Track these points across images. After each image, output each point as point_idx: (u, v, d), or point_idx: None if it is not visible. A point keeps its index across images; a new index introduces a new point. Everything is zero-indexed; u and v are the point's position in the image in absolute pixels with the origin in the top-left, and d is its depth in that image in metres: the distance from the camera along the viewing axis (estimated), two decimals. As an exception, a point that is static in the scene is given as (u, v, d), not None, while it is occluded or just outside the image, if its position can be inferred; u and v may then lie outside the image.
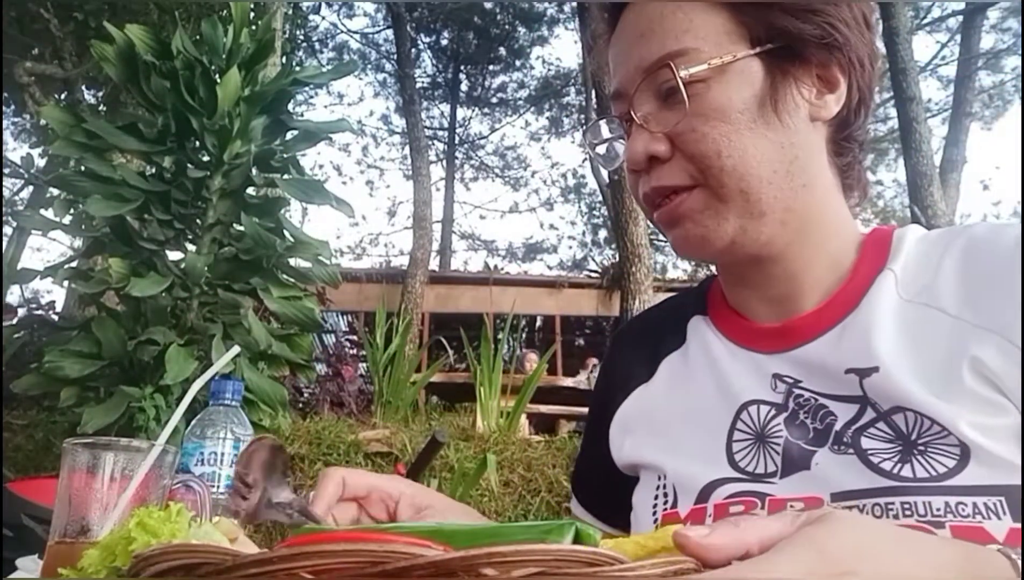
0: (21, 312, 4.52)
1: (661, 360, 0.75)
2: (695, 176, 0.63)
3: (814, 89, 0.64)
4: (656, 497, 0.67)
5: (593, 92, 9.55)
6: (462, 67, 19.44)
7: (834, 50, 0.63)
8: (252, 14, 5.07)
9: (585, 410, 0.95)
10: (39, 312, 4.64)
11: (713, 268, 0.77)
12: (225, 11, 4.89)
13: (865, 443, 0.57)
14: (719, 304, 0.74)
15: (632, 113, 0.64)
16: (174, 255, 3.18)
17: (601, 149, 0.74)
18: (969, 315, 0.58)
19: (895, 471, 0.55)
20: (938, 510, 0.52)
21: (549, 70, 19.95)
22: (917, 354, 0.58)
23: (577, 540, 0.41)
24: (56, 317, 4.38)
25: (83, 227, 3.36)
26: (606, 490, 0.77)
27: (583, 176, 20.51)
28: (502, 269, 17.39)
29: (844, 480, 0.56)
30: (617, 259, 8.51)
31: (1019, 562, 0.41)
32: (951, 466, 0.54)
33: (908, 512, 0.53)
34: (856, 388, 0.60)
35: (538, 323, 11.86)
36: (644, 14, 0.65)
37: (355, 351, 6.17)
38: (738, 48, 0.62)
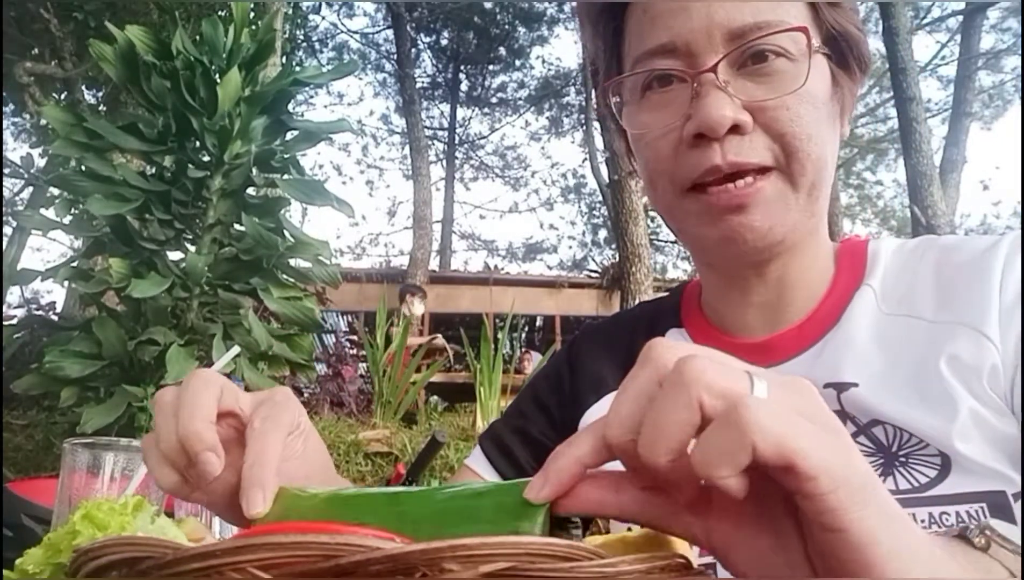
0: (21, 312, 4.52)
1: None
2: (777, 157, 0.58)
3: (842, 110, 0.64)
4: None
5: (593, 91, 9.54)
6: (462, 67, 19.42)
7: (862, 76, 0.64)
8: (252, 14, 5.07)
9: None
10: (39, 312, 4.65)
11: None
12: (225, 11, 4.90)
13: None
14: (696, 317, 0.73)
15: (714, 75, 0.57)
16: (174, 255, 3.18)
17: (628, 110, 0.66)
18: (945, 316, 0.59)
19: None
20: (922, 521, 0.52)
21: (549, 70, 19.97)
22: (897, 366, 0.58)
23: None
24: (56, 317, 4.39)
25: (83, 227, 3.36)
26: (521, 459, 0.77)
27: (583, 176, 20.52)
28: (502, 269, 17.38)
29: None
30: (617, 259, 8.50)
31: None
32: (932, 476, 0.54)
33: None
34: (834, 403, 0.59)
35: (538, 323, 11.85)
36: None
37: (355, 351, 6.17)
38: (816, 39, 0.60)
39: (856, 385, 0.58)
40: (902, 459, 0.55)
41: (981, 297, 0.57)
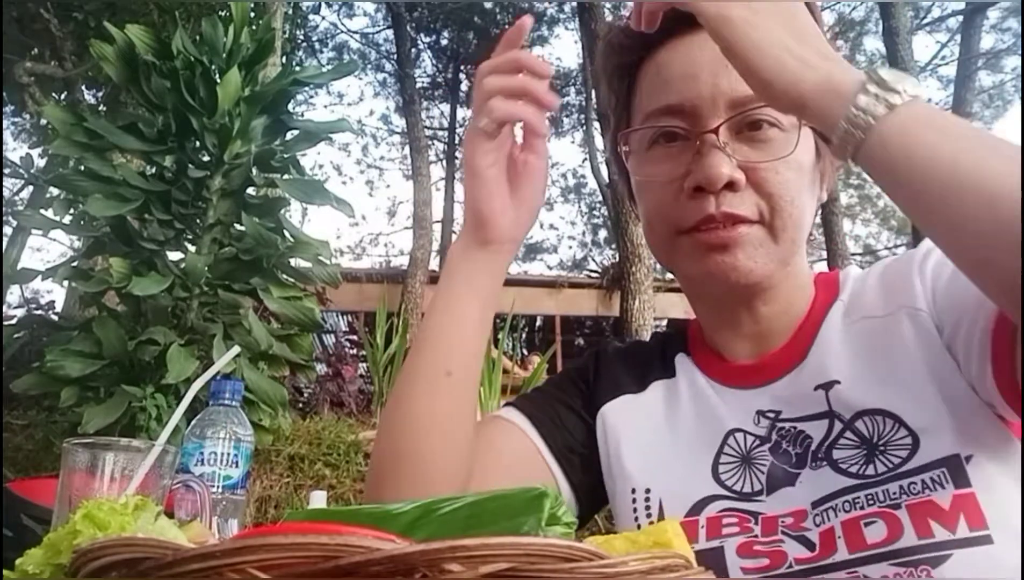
0: (21, 312, 4.52)
1: (651, 382, 0.81)
2: (763, 212, 0.67)
3: (822, 177, 0.74)
4: (635, 511, 0.72)
5: (593, 92, 9.53)
6: (462, 67, 19.41)
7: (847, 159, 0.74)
8: (252, 14, 5.07)
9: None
10: (39, 312, 4.65)
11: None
12: (225, 11, 4.90)
13: (836, 454, 0.65)
14: (699, 345, 0.82)
15: (715, 136, 0.67)
16: (174, 255, 3.19)
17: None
18: (890, 308, 0.69)
19: (860, 471, 0.63)
20: (894, 494, 0.60)
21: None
22: (867, 360, 0.68)
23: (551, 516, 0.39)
24: (56, 317, 4.39)
25: (83, 227, 3.36)
26: (558, 427, 0.81)
27: (583, 176, 20.50)
28: (502, 269, 17.30)
29: (821, 488, 0.64)
30: (617, 259, 8.50)
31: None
32: (904, 455, 0.62)
33: (871, 502, 0.60)
34: (823, 403, 0.68)
35: (538, 323, 11.86)
36: None
37: (355, 351, 6.17)
38: None
39: (839, 382, 0.67)
40: (881, 447, 0.63)
41: (910, 285, 0.68)
